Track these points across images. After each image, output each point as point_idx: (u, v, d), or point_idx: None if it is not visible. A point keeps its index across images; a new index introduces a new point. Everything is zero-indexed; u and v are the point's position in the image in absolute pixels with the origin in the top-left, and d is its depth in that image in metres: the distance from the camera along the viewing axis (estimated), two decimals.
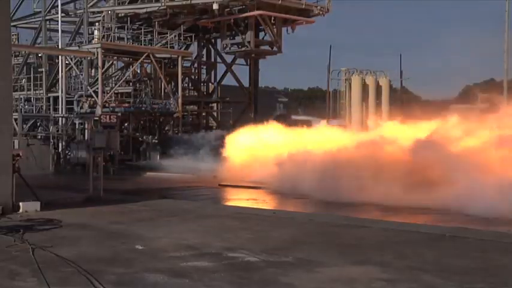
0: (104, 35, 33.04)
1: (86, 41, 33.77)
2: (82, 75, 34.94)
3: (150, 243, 10.65)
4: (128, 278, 8.29)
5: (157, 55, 34.94)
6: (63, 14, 35.63)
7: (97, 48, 32.03)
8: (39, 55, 36.98)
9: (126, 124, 33.63)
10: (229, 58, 40.99)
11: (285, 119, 36.26)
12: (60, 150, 32.88)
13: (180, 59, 35.68)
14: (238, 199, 20.42)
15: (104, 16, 34.84)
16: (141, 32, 34.89)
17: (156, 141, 33.70)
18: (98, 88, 32.46)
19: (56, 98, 34.88)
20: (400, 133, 21.23)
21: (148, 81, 36.36)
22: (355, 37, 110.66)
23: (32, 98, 36.04)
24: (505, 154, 17.07)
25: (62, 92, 33.97)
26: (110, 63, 37.89)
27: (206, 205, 17.36)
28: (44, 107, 35.41)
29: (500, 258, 9.67)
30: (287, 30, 38.79)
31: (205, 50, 42.24)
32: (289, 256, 9.61)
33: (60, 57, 34.26)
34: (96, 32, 32.97)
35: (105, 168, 20.28)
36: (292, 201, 19.36)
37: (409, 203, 16.71)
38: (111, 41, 33.39)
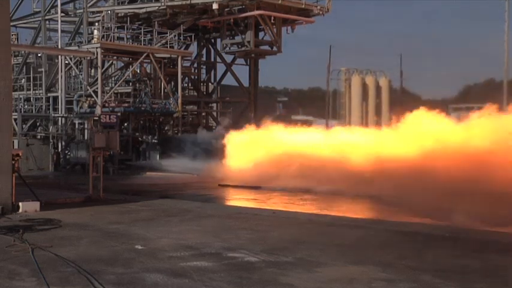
0: (103, 35, 33.01)
1: (85, 41, 33.74)
2: (82, 75, 34.90)
3: (150, 243, 10.64)
4: (128, 278, 8.28)
5: (157, 55, 34.92)
6: (62, 14, 35.59)
7: (96, 48, 32.03)
8: (39, 55, 36.95)
9: (126, 124, 33.62)
10: (229, 58, 41.01)
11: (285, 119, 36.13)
12: (59, 150, 32.89)
13: (179, 58, 35.65)
14: (238, 199, 20.41)
15: (103, 16, 34.79)
16: (140, 32, 34.88)
17: (156, 141, 33.69)
18: (97, 88, 32.44)
19: (55, 98, 34.88)
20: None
21: (148, 81, 36.32)
22: (355, 37, 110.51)
23: (32, 98, 36.06)
24: None
25: (61, 92, 33.97)
26: (109, 63, 37.87)
27: (206, 205, 17.33)
28: (44, 107, 35.41)
29: (500, 258, 9.67)
30: (287, 30, 38.78)
31: (205, 49, 42.22)
32: (289, 256, 9.60)
33: (59, 57, 34.24)
34: (95, 32, 32.94)
35: (104, 168, 20.26)
36: None
37: None
38: (110, 40, 33.36)
